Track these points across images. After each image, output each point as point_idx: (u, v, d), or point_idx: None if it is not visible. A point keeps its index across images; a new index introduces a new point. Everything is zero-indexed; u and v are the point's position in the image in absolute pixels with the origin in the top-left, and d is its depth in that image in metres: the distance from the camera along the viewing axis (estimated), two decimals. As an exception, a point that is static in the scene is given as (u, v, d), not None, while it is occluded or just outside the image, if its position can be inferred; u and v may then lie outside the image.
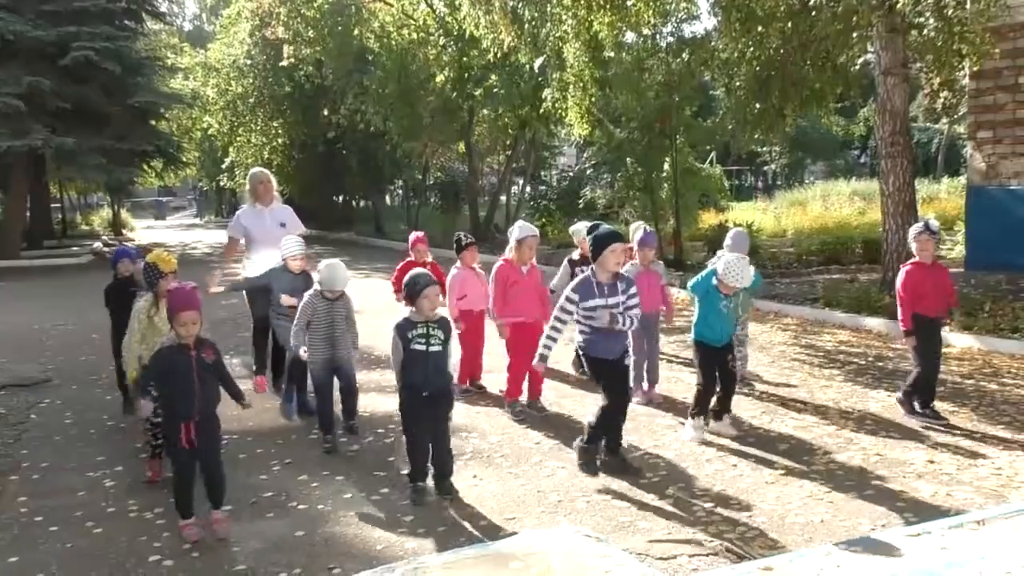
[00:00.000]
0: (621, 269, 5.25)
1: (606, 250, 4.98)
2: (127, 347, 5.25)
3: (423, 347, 4.63)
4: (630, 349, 5.37)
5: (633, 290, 5.13)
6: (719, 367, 5.70)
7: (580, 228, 6.95)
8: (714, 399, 5.78)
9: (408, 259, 7.42)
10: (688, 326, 9.80)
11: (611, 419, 5.09)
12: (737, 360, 6.98)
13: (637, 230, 6.97)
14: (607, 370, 5.06)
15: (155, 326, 5.18)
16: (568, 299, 5.03)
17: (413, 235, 7.69)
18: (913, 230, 6.01)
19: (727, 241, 6.99)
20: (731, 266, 5.56)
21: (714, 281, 5.65)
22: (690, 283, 5.86)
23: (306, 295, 5.76)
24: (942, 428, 5.71)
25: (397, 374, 4.76)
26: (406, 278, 4.82)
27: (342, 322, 5.75)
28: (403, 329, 4.69)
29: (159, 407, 4.44)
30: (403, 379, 4.71)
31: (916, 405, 5.95)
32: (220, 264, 8.12)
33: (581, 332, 5.09)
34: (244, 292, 7.15)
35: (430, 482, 4.79)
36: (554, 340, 5.09)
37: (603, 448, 5.16)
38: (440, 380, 4.71)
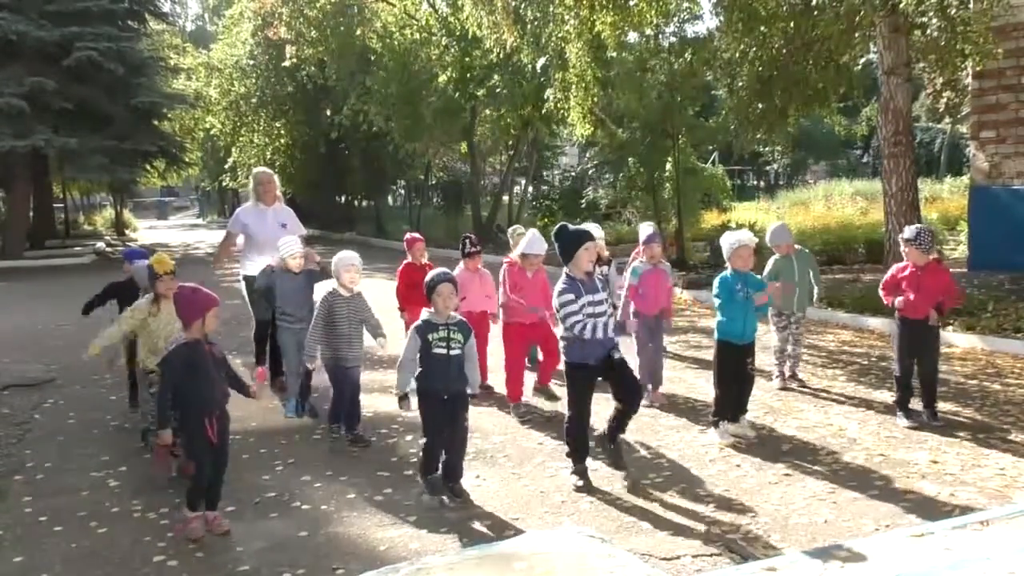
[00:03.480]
0: (634, 263, 5.19)
1: (579, 249, 4.88)
2: (110, 332, 5.28)
3: (444, 351, 4.59)
4: (622, 348, 5.30)
5: (605, 288, 5.11)
6: (736, 369, 5.62)
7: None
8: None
9: (406, 261, 7.40)
10: (690, 326, 9.86)
11: (623, 418, 5.07)
12: (790, 358, 7.02)
13: (645, 230, 6.98)
14: (588, 375, 4.89)
15: (148, 327, 5.19)
16: (565, 302, 4.83)
17: (408, 236, 7.59)
18: (908, 235, 5.97)
19: (768, 237, 7.07)
20: (727, 237, 5.68)
21: (727, 273, 5.64)
22: (718, 305, 5.73)
23: (321, 296, 5.78)
24: (939, 427, 5.72)
25: (401, 373, 4.70)
26: (426, 278, 4.79)
27: (356, 321, 5.76)
28: (423, 332, 4.63)
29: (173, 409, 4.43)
30: (420, 383, 4.65)
31: (911, 407, 5.93)
32: (216, 260, 8.13)
33: (562, 337, 4.96)
34: (246, 293, 7.15)
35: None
36: (585, 323, 4.79)
37: (605, 431, 5.14)
38: (460, 383, 4.68)
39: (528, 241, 6.48)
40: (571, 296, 4.84)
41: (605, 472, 5.06)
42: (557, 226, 5.20)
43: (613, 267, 7.17)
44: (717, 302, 5.66)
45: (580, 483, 4.88)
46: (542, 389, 6.44)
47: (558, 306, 4.90)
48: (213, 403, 4.27)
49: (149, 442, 5.35)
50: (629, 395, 5.01)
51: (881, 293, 6.09)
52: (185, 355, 4.27)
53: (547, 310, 6.34)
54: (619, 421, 5.09)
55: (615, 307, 5.35)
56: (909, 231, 5.96)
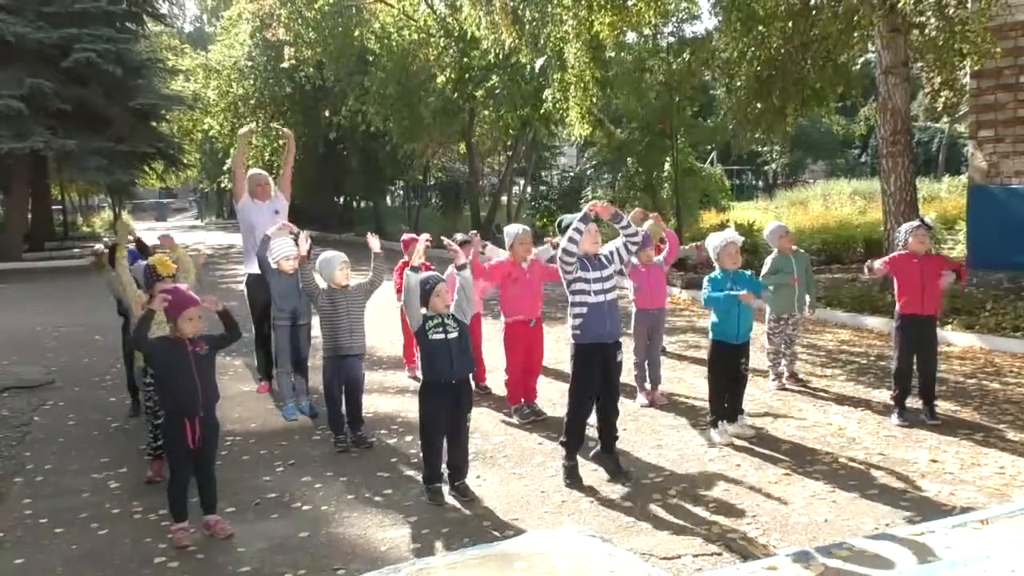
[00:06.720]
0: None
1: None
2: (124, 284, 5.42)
3: (442, 335, 4.67)
4: (625, 348, 5.29)
5: (615, 262, 5.07)
6: (729, 369, 5.63)
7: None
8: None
9: (403, 260, 7.41)
10: (688, 326, 9.87)
11: (604, 419, 5.07)
12: (785, 357, 7.02)
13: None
14: (601, 360, 4.89)
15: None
16: (565, 261, 4.90)
17: (405, 236, 7.66)
18: (908, 227, 6.01)
19: (766, 234, 7.26)
20: (712, 239, 5.74)
21: (717, 273, 5.67)
22: (704, 297, 5.77)
23: (319, 298, 5.80)
24: (937, 426, 5.73)
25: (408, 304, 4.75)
26: (418, 281, 4.81)
27: (356, 311, 5.78)
28: (424, 317, 4.74)
29: (160, 407, 4.43)
30: (427, 374, 4.73)
31: (908, 406, 5.95)
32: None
33: (575, 315, 4.94)
34: (247, 299, 7.13)
35: (444, 484, 4.80)
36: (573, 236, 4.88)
37: (597, 442, 5.14)
38: (466, 365, 4.79)
39: (507, 234, 6.52)
40: (575, 259, 4.90)
41: (605, 472, 5.06)
42: (558, 220, 5.28)
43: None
44: (706, 292, 5.65)
45: (568, 480, 4.91)
46: (528, 406, 6.38)
47: (562, 273, 4.94)
48: (194, 407, 4.23)
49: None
50: (607, 398, 5.02)
51: (878, 263, 6.05)
52: (165, 349, 4.28)
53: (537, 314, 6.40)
54: (605, 427, 5.08)
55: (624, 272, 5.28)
56: (909, 223, 6.04)
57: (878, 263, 6.05)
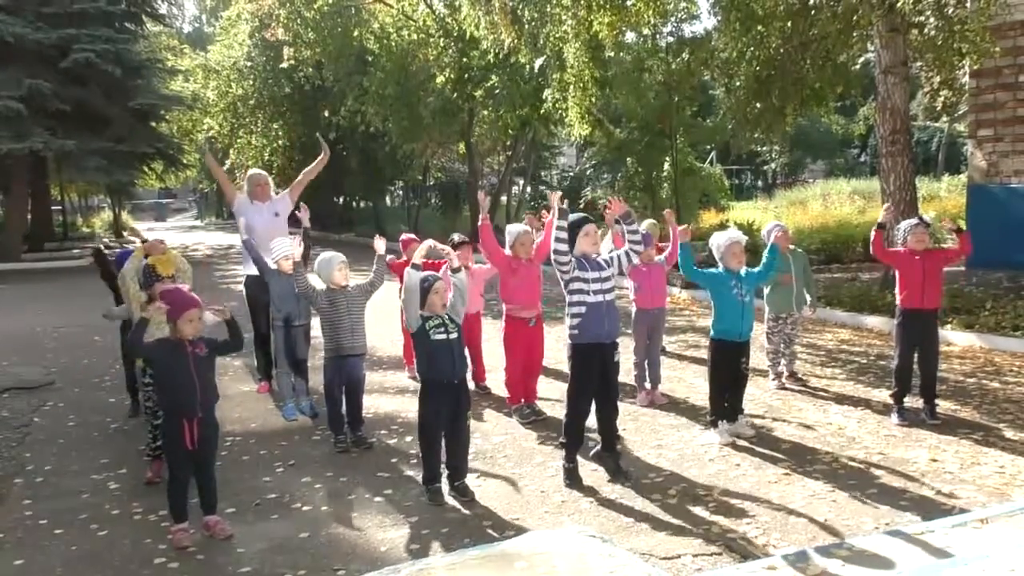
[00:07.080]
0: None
1: (579, 234, 4.95)
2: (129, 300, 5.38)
3: (444, 335, 4.69)
4: (624, 348, 5.29)
5: (614, 266, 5.07)
6: (731, 368, 5.62)
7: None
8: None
9: (402, 259, 7.41)
10: (688, 326, 9.88)
11: (603, 419, 5.07)
12: (784, 356, 7.02)
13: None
14: (599, 360, 4.89)
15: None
16: (561, 263, 4.88)
17: (404, 236, 7.70)
18: (906, 224, 6.06)
19: (763, 233, 7.14)
20: (716, 238, 5.74)
21: (721, 270, 5.67)
22: (683, 271, 5.79)
23: (319, 299, 5.81)
24: (937, 426, 5.73)
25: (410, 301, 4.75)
26: (418, 282, 4.83)
27: (357, 311, 5.78)
28: (423, 317, 4.76)
29: (159, 407, 4.43)
30: (428, 374, 4.73)
31: (908, 406, 5.95)
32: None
33: (573, 315, 4.92)
34: (246, 300, 7.13)
35: (444, 484, 4.80)
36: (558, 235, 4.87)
37: (599, 441, 5.15)
38: (463, 366, 4.84)
39: (508, 234, 6.54)
40: (569, 258, 4.89)
41: (605, 472, 5.06)
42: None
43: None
44: (684, 261, 5.67)
45: (568, 481, 4.91)
46: (528, 406, 6.37)
47: (559, 274, 4.93)
48: (192, 408, 4.23)
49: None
50: (606, 398, 5.02)
51: (883, 214, 6.24)
52: (164, 350, 4.29)
53: (537, 310, 6.40)
54: (605, 427, 5.09)
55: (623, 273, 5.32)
56: (908, 221, 6.11)
57: (883, 214, 6.22)
